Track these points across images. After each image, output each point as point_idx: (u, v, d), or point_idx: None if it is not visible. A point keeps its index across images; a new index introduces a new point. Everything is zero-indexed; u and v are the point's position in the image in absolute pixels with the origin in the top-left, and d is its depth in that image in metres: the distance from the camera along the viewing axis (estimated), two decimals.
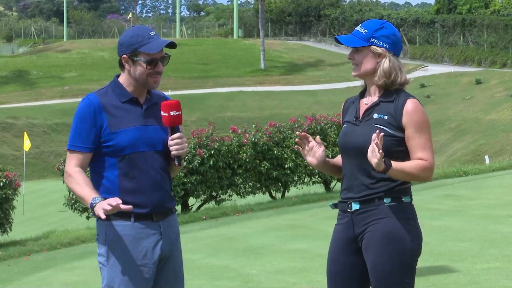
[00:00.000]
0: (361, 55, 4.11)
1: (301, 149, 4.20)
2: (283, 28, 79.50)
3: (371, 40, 4.08)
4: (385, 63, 4.07)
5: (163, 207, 4.22)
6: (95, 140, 4.13)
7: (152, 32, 4.23)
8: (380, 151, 3.80)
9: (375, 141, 3.81)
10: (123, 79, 4.24)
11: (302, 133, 4.19)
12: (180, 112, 4.19)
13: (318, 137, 4.26)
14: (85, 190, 4.06)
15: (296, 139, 4.22)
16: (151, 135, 4.18)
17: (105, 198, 4.00)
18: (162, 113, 4.16)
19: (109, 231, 4.14)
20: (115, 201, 3.92)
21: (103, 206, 3.91)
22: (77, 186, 4.09)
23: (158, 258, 4.17)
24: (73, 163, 4.15)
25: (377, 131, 3.86)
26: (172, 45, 4.21)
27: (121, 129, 4.13)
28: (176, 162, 4.21)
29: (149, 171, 4.16)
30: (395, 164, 3.88)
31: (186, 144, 4.22)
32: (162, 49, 4.19)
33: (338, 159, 4.31)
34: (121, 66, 4.25)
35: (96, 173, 4.20)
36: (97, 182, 4.18)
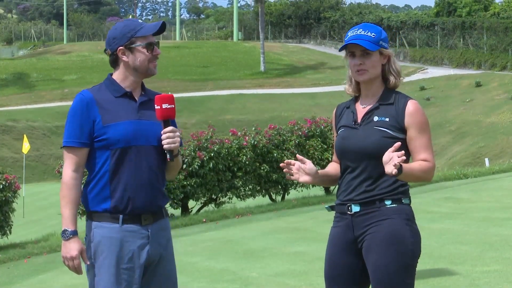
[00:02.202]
0: (371, 59, 4.11)
1: (292, 177, 4.18)
2: (283, 30, 79.53)
3: (380, 43, 4.12)
4: (396, 63, 4.15)
5: (154, 205, 4.18)
6: (89, 135, 4.11)
7: (140, 20, 4.25)
8: (398, 161, 3.80)
9: (398, 154, 3.81)
10: (117, 75, 4.22)
11: (285, 162, 4.17)
12: (173, 106, 4.15)
13: (297, 154, 4.26)
14: (65, 211, 4.10)
15: (284, 170, 4.19)
16: (146, 129, 4.15)
17: (75, 234, 4.08)
18: (156, 106, 4.13)
19: (96, 233, 4.12)
20: (76, 269, 4.10)
21: (67, 261, 4.09)
22: (62, 200, 4.12)
23: (145, 262, 4.14)
24: (70, 165, 4.13)
25: (398, 143, 3.87)
26: (163, 27, 4.21)
27: (114, 123, 4.10)
28: (168, 157, 4.15)
29: (141, 166, 4.12)
30: (405, 168, 3.87)
31: (179, 139, 4.18)
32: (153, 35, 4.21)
33: (330, 169, 4.32)
34: (113, 63, 4.22)
35: (87, 169, 4.19)
36: (88, 178, 4.17)
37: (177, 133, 4.17)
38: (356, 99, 4.24)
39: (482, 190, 14.77)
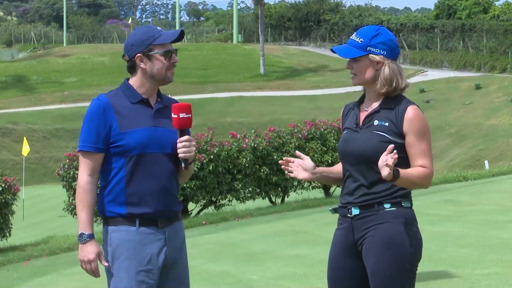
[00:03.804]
0: (359, 65, 4.08)
1: (291, 174, 4.19)
2: (282, 33, 79.57)
3: (368, 48, 4.06)
4: (385, 71, 4.05)
5: (169, 211, 4.20)
6: (105, 140, 4.12)
7: (159, 28, 4.27)
8: (391, 163, 3.76)
9: (391, 155, 3.76)
10: (133, 81, 4.24)
11: (284, 159, 4.19)
12: (190, 115, 4.18)
13: (296, 151, 4.28)
14: (82, 215, 4.12)
15: (283, 167, 4.21)
16: (160, 137, 4.17)
17: (91, 237, 4.09)
18: (172, 115, 4.15)
19: (114, 237, 4.14)
20: (93, 272, 4.11)
21: (85, 264, 4.10)
22: (78, 204, 4.13)
23: (163, 263, 4.17)
24: (86, 170, 4.13)
25: (391, 145, 3.82)
26: (181, 35, 4.23)
27: (131, 129, 4.12)
28: (183, 165, 4.19)
29: (156, 173, 4.15)
30: (402, 173, 3.85)
31: (194, 148, 4.22)
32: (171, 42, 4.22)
33: (334, 168, 4.31)
34: (131, 69, 4.23)
35: (103, 174, 4.20)
36: (104, 183, 4.18)
37: (193, 143, 4.20)
38: (361, 100, 4.22)
39: (482, 193, 14.76)
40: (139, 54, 4.17)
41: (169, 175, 4.20)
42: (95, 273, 4.13)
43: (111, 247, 4.14)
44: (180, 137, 4.18)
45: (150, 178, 4.13)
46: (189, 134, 4.24)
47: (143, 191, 4.12)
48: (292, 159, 4.19)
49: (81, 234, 4.09)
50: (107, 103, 4.14)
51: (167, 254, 4.18)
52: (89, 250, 4.08)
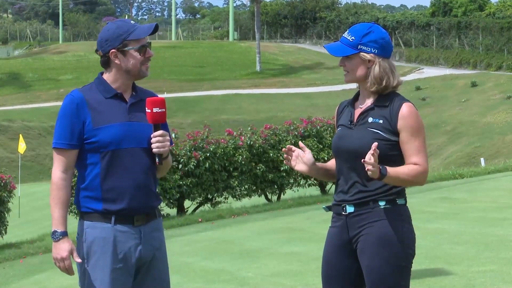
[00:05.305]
0: (351, 62, 4.08)
1: (289, 163, 4.18)
2: (278, 30, 79.55)
3: (359, 47, 4.05)
4: (375, 70, 4.04)
5: (146, 207, 4.16)
6: (79, 136, 4.08)
7: (133, 21, 4.20)
8: (374, 160, 3.76)
9: (372, 152, 3.76)
10: (107, 76, 4.18)
11: (287, 147, 4.17)
12: (163, 110, 4.11)
13: (300, 142, 4.26)
14: (55, 212, 4.09)
15: (284, 155, 4.18)
16: (136, 131, 4.12)
17: (64, 235, 4.07)
18: (146, 110, 4.10)
19: (89, 233, 4.11)
20: (67, 269, 4.08)
21: (58, 262, 4.08)
22: (52, 201, 4.10)
23: (136, 261, 4.13)
24: (59, 166, 4.11)
25: (374, 144, 3.82)
26: (156, 29, 4.19)
27: (104, 125, 4.07)
28: (157, 160, 4.14)
29: (132, 168, 4.10)
30: (390, 171, 3.84)
31: (168, 143, 4.14)
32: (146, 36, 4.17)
33: (329, 164, 4.30)
34: (105, 64, 4.17)
35: (79, 170, 4.17)
36: (80, 178, 4.16)
37: (167, 137, 4.14)
38: (356, 97, 4.22)
39: (477, 190, 14.77)
40: (113, 50, 4.11)
41: (145, 170, 4.14)
42: (68, 271, 4.09)
43: (85, 242, 4.11)
44: (154, 131, 4.12)
45: (126, 174, 4.09)
46: (166, 129, 4.17)
47: (119, 187, 4.08)
48: (294, 148, 4.17)
49: (54, 232, 4.07)
50: (81, 98, 4.11)
51: (142, 252, 4.14)
52: (62, 248, 4.05)
